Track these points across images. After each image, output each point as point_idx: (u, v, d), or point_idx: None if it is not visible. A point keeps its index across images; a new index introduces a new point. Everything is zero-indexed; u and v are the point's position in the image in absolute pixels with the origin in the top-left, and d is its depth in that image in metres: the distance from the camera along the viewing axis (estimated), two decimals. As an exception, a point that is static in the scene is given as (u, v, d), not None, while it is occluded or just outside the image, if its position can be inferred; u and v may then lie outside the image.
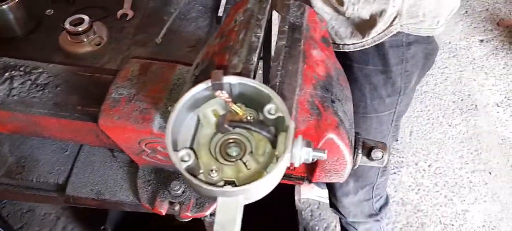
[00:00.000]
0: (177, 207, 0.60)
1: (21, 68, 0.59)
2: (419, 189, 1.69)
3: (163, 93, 0.55)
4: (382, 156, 0.58)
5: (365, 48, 0.82)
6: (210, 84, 0.38)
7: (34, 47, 0.78)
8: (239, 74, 0.42)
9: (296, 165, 0.38)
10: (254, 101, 0.41)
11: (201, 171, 0.38)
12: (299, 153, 0.37)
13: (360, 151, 0.57)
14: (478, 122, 1.88)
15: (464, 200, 1.67)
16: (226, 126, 0.38)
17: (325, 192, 1.64)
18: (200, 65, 0.53)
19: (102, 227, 1.32)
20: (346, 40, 0.81)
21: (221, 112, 0.40)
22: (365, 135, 0.58)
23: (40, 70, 0.59)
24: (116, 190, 0.63)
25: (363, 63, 0.86)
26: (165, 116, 0.54)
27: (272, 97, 0.38)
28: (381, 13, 0.75)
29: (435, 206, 1.65)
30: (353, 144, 0.55)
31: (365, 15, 0.76)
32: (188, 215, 0.59)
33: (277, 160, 0.37)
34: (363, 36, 0.80)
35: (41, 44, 0.78)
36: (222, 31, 0.55)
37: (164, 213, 0.60)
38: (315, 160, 0.40)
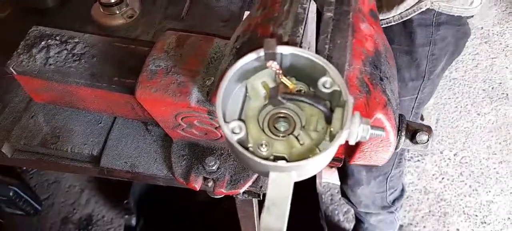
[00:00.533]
0: (210, 183, 0.60)
1: (57, 37, 0.58)
2: (443, 178, 1.65)
3: (200, 67, 0.53)
4: (428, 140, 0.56)
5: (391, 25, 0.78)
6: (261, 54, 0.36)
7: (66, 18, 0.77)
8: (286, 44, 0.40)
9: (352, 142, 0.36)
10: (304, 75, 0.39)
11: (250, 145, 0.36)
12: (356, 130, 0.35)
13: (403, 133, 0.55)
14: (509, 111, 1.80)
15: (489, 191, 1.62)
16: (279, 98, 0.36)
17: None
18: (241, 37, 0.50)
19: (125, 201, 1.35)
20: None
21: (271, 84, 0.38)
22: None
23: (76, 40, 0.58)
24: (150, 164, 0.62)
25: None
26: (203, 90, 0.52)
27: (327, 69, 0.36)
28: None
29: (459, 196, 1.61)
30: (397, 125, 0.53)
31: None
32: (222, 192, 0.59)
33: (332, 136, 0.35)
34: (390, 11, 0.76)
35: (73, 15, 0.77)
36: (264, 2, 0.52)
37: (198, 189, 0.59)
38: (368, 138, 0.38)
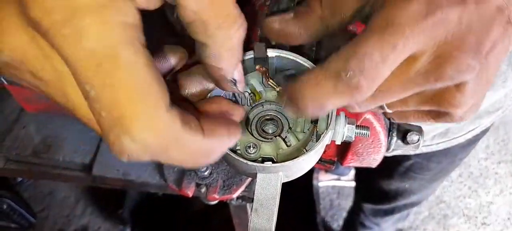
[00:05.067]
0: (203, 189, 0.59)
1: (47, 46, 0.58)
2: (441, 180, 1.64)
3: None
4: (418, 140, 0.56)
5: None
6: (248, 57, 0.36)
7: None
8: (272, 47, 0.40)
9: (338, 142, 0.36)
10: (292, 76, 0.39)
11: (237, 147, 0.36)
12: (342, 130, 0.35)
13: (394, 133, 0.55)
14: (508, 112, 1.81)
15: (489, 192, 1.61)
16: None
17: (334, 176, 1.62)
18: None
19: (120, 211, 1.34)
20: None
21: (258, 87, 0.38)
22: None
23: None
24: (142, 171, 0.62)
25: None
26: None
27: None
28: None
29: (459, 198, 1.60)
30: (388, 126, 0.53)
31: None
32: (215, 197, 0.58)
33: (318, 137, 0.35)
34: None
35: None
36: (252, 5, 0.53)
37: (191, 195, 0.59)
38: (354, 138, 0.38)
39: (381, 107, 0.31)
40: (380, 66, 0.24)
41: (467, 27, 0.24)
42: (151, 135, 0.17)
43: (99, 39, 0.15)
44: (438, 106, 0.28)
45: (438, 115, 0.30)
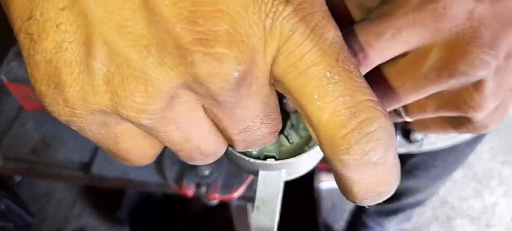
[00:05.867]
0: (203, 189, 0.58)
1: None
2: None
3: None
4: (421, 138, 0.55)
5: None
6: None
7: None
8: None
9: (342, 139, 0.35)
10: None
11: (238, 145, 0.35)
12: (346, 127, 0.34)
13: (397, 131, 0.54)
14: (510, 111, 1.79)
15: (493, 193, 1.60)
16: None
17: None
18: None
19: (118, 211, 1.33)
20: None
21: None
22: None
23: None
24: (142, 170, 0.61)
25: None
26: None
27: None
28: None
29: (462, 199, 1.59)
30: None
31: None
32: (216, 197, 0.57)
33: (321, 133, 0.34)
34: None
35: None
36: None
37: (191, 195, 0.58)
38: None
39: (400, 115, 0.30)
40: (361, 52, 0.23)
41: (479, 22, 0.23)
42: (387, 120, 0.16)
43: (338, 30, 0.16)
44: (457, 109, 0.26)
45: (459, 123, 0.28)
